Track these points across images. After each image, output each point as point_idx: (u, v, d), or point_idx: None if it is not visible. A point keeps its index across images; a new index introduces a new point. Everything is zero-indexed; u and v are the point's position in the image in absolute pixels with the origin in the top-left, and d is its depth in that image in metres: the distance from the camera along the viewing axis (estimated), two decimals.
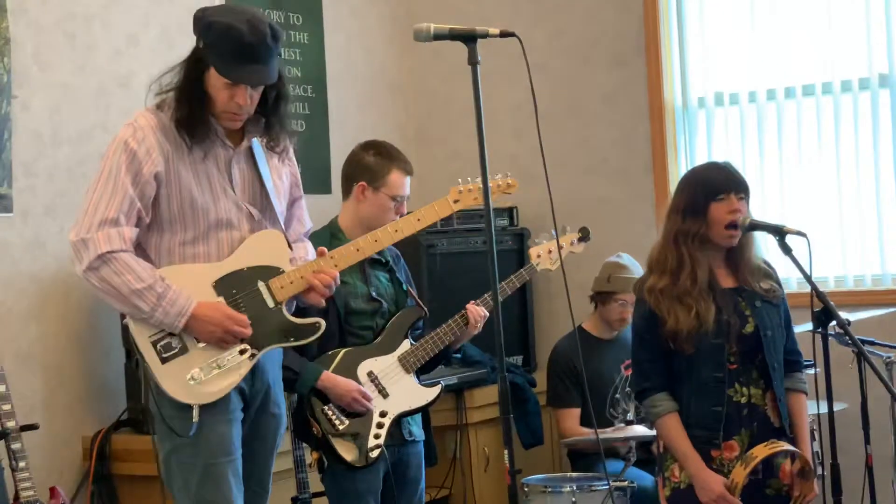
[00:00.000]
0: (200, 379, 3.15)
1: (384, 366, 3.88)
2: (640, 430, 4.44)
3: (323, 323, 3.29)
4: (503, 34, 2.93)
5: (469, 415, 5.17)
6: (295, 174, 3.46)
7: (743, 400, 3.56)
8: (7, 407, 3.96)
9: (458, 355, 4.35)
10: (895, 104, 5.17)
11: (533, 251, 4.25)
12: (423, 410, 4.01)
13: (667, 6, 5.61)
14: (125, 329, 4.51)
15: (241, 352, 3.19)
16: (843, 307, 4.07)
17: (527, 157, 5.71)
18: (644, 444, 4.59)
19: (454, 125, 5.98)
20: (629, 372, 4.69)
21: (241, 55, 3.11)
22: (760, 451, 3.48)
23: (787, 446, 3.51)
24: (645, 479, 4.56)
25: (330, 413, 3.77)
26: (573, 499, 4.37)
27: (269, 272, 3.25)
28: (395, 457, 3.92)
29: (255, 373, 3.24)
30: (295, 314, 3.30)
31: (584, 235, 4.30)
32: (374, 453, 3.78)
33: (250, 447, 3.29)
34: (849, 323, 3.58)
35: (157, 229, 3.20)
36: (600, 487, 4.37)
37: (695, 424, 3.55)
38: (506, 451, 2.88)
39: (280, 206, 3.34)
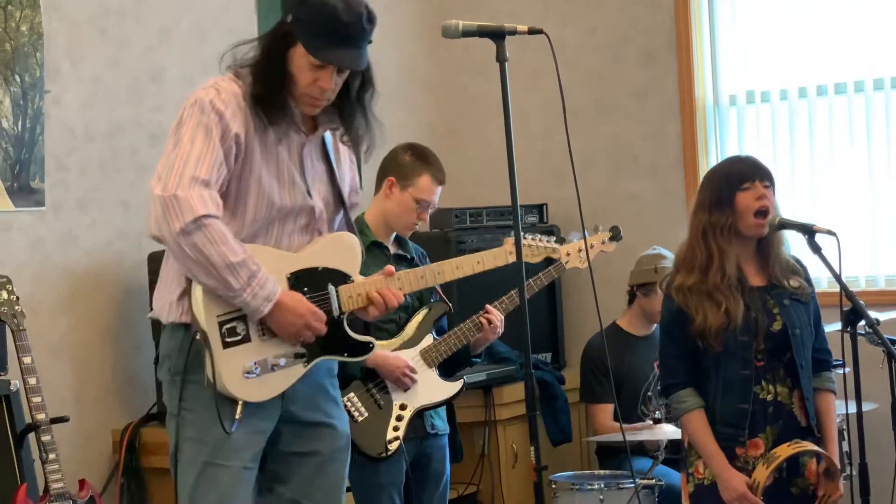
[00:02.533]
0: (255, 375, 2.93)
1: (407, 359, 3.90)
2: (670, 429, 4.43)
3: (376, 343, 3.17)
4: (531, 31, 2.93)
5: (497, 411, 5.17)
6: (354, 178, 3.25)
7: (769, 398, 3.55)
8: (37, 399, 3.98)
9: (479, 359, 4.36)
10: None
11: (563, 248, 4.25)
12: (447, 405, 4.02)
13: (698, 3, 5.58)
14: (156, 324, 4.60)
15: (298, 356, 3.01)
16: (873, 307, 4.04)
17: (557, 154, 5.72)
18: (673, 442, 4.58)
19: (484, 122, 5.98)
20: None
21: (334, 35, 2.88)
22: (783, 451, 3.47)
23: (810, 446, 3.50)
24: (673, 477, 4.55)
25: (349, 405, 3.80)
26: (600, 496, 4.37)
27: (341, 278, 3.07)
28: (418, 450, 3.94)
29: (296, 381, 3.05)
30: None
31: (615, 235, 4.29)
32: (393, 445, 3.81)
33: (303, 462, 3.08)
34: (878, 322, 3.55)
35: (225, 202, 2.94)
36: (628, 485, 4.37)
37: (720, 421, 3.55)
38: (532, 448, 2.89)
39: (347, 200, 3.17)
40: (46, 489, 3.96)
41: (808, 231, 3.50)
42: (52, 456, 3.96)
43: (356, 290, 3.08)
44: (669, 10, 5.63)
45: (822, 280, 4.95)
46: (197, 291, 2.92)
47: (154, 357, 4.66)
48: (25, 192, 4.44)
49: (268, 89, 2.94)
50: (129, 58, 4.82)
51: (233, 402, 2.93)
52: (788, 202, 5.24)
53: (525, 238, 3.59)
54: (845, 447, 4.36)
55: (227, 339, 2.92)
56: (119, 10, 4.79)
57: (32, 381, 3.98)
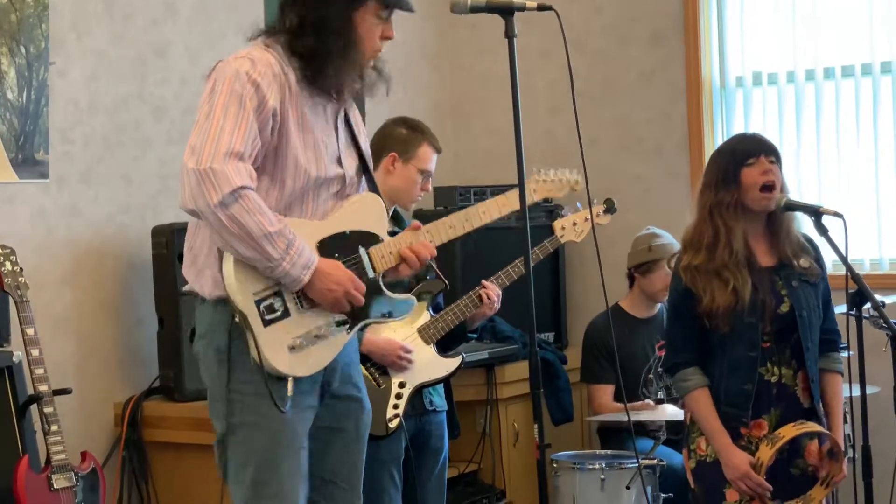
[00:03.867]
0: (301, 348, 2.88)
1: (403, 336, 3.90)
2: (672, 409, 4.43)
3: (415, 300, 3.15)
4: (540, 7, 2.92)
5: (499, 390, 5.17)
6: (366, 141, 3.23)
7: (773, 379, 3.55)
8: (40, 371, 3.98)
9: (475, 335, 4.35)
10: None
11: (557, 223, 4.24)
12: (444, 382, 4.02)
13: None
14: (160, 296, 4.60)
15: (339, 323, 2.96)
16: (878, 290, 4.03)
17: (562, 133, 5.70)
18: (674, 423, 4.58)
19: (491, 100, 5.96)
20: (663, 352, 4.69)
21: None
22: (788, 432, 3.47)
23: (815, 427, 3.50)
24: (674, 457, 4.55)
25: None
26: (602, 476, 4.38)
27: (370, 239, 3.03)
28: (417, 426, 3.95)
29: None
30: None
31: (609, 207, 4.27)
32: (393, 423, 3.81)
33: (331, 438, 3.04)
34: (884, 305, 3.55)
35: (259, 174, 2.90)
36: (629, 465, 4.37)
37: (724, 401, 3.55)
38: (535, 427, 2.88)
39: (372, 167, 3.15)
40: (48, 461, 3.97)
41: (815, 212, 3.49)
42: (54, 428, 3.96)
43: (387, 249, 3.04)
44: None
45: (828, 262, 4.94)
46: (228, 272, 2.86)
47: (156, 331, 4.68)
48: (30, 164, 4.43)
49: (340, 52, 2.91)
50: (134, 32, 4.80)
51: (282, 380, 2.88)
52: (794, 184, 5.23)
53: (541, 173, 3.55)
54: (847, 429, 4.35)
55: (267, 317, 2.87)
56: None
57: (35, 352, 3.98)
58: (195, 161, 2.78)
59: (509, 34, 2.89)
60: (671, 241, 4.86)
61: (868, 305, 3.55)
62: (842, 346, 3.74)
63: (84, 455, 4.17)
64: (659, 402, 4.53)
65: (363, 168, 3.11)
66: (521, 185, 2.92)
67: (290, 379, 2.88)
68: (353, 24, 2.94)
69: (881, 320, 3.61)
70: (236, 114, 2.81)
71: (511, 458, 5.23)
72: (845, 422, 4.28)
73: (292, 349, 2.89)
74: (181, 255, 4.46)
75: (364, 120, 3.23)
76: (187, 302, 4.50)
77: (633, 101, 5.75)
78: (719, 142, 5.55)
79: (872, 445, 3.58)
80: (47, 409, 3.96)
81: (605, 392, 5.00)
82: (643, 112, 5.75)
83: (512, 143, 2.92)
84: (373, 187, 3.13)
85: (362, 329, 3.13)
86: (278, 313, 2.88)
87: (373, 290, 3.00)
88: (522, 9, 2.91)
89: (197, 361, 4.60)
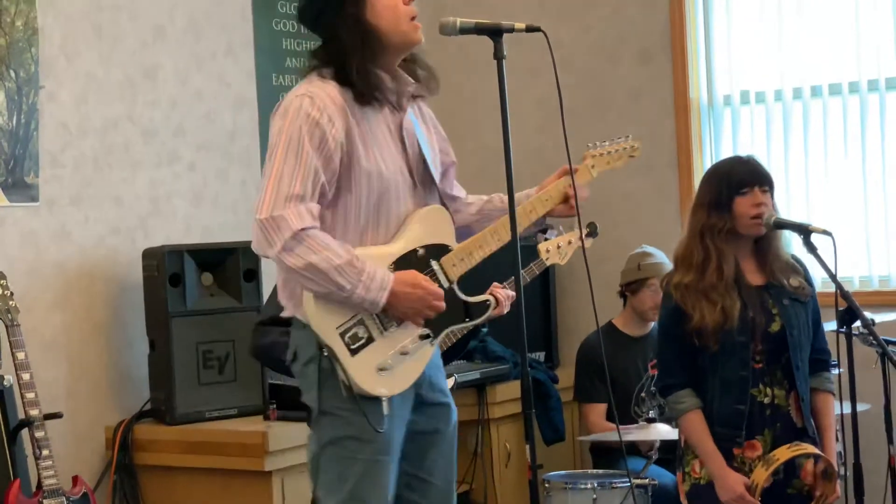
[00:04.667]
0: (390, 368, 2.96)
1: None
2: (664, 429, 4.43)
3: (493, 300, 3.15)
4: (529, 29, 2.92)
5: (491, 410, 5.17)
6: (443, 139, 3.28)
7: (766, 400, 3.56)
8: (31, 395, 3.97)
9: (476, 342, 4.33)
10: None
11: (542, 246, 4.22)
12: None
13: (693, 3, 5.59)
14: (151, 319, 4.59)
15: (422, 336, 3.02)
16: (868, 307, 4.05)
17: (551, 151, 5.71)
18: (666, 442, 4.58)
19: (480, 119, 5.97)
20: (655, 371, 4.69)
21: None
22: (783, 454, 3.47)
23: (810, 448, 3.50)
24: (666, 477, 4.54)
25: None
26: (594, 496, 4.36)
27: (440, 250, 3.07)
28: None
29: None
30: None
31: (592, 231, 4.29)
32: None
33: (426, 441, 3.11)
34: (873, 323, 3.56)
35: (329, 203, 2.98)
36: (621, 485, 4.36)
37: (718, 422, 3.55)
38: (527, 447, 2.88)
39: (437, 177, 3.16)
40: (39, 485, 3.96)
41: (804, 231, 3.50)
42: (45, 452, 3.95)
43: (458, 257, 3.09)
44: (665, 10, 5.63)
45: (816, 280, 4.95)
46: (310, 311, 2.95)
47: (147, 353, 4.67)
48: (20, 188, 4.43)
49: (370, 61, 2.96)
50: (123, 54, 4.81)
51: (377, 400, 2.96)
52: (783, 202, 5.25)
53: (596, 147, 3.43)
54: (839, 447, 4.36)
55: (353, 347, 2.95)
56: (114, 6, 4.78)
57: (26, 376, 3.97)
58: (259, 211, 2.90)
59: (498, 56, 2.89)
60: (662, 259, 4.87)
61: (858, 323, 3.56)
62: (833, 364, 3.75)
63: (75, 479, 4.16)
64: (651, 421, 4.52)
65: (430, 178, 3.12)
66: (511, 209, 2.92)
67: (384, 400, 2.96)
68: (364, 16, 2.97)
69: (871, 337, 3.62)
70: (296, 156, 2.90)
71: (503, 478, 5.22)
72: (837, 440, 4.28)
73: (381, 370, 2.97)
74: (172, 277, 4.55)
75: None
76: (178, 325, 4.55)
77: (621, 119, 5.77)
78: (708, 160, 5.57)
79: (864, 463, 3.59)
80: (38, 434, 3.96)
81: (598, 411, 5.00)
82: (632, 130, 5.68)
83: (502, 162, 2.92)
84: (436, 197, 3.15)
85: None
86: (363, 340, 2.96)
87: (449, 299, 3.05)
88: (511, 30, 2.92)
89: (188, 385, 4.63)
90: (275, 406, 4.56)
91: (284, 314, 3.08)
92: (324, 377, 2.98)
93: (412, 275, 2.98)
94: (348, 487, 2.98)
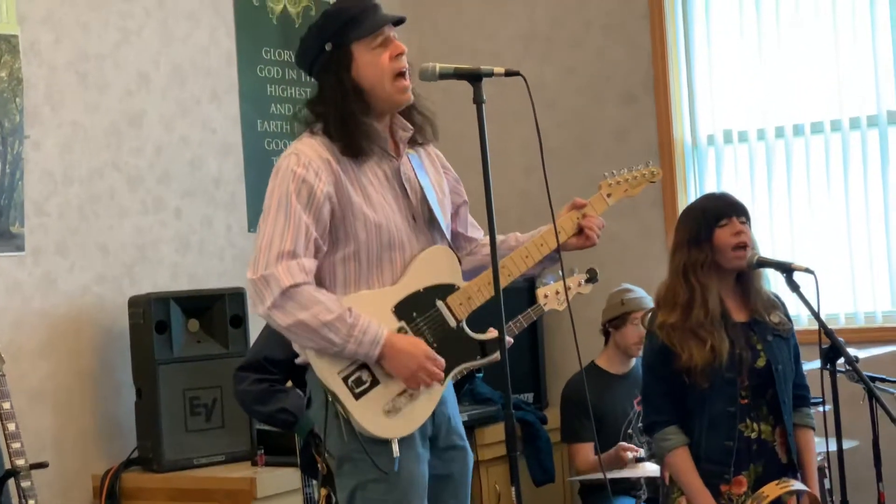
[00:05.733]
0: (397, 410, 2.98)
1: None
2: (652, 467, 4.43)
3: (505, 336, 3.08)
4: (508, 73, 2.94)
5: (480, 452, 5.15)
6: (454, 179, 3.32)
7: (753, 435, 3.56)
8: (17, 445, 3.95)
9: (481, 374, 4.33)
10: None
11: (540, 291, 4.26)
12: None
13: (675, 44, 5.64)
14: (138, 366, 4.59)
15: None
16: (853, 344, 4.06)
17: (537, 193, 5.73)
18: (655, 480, 4.57)
19: (464, 164, 5.95)
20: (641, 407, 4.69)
21: (366, 11, 3.02)
22: (772, 490, 3.47)
23: (797, 485, 3.50)
24: None
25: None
26: None
27: (445, 290, 3.09)
28: None
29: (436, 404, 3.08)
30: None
31: (592, 276, 4.31)
32: None
33: (440, 485, 3.12)
34: (857, 360, 3.57)
35: (328, 256, 3.02)
36: None
37: (705, 458, 3.55)
38: (513, 489, 2.88)
39: (445, 218, 3.17)
40: None
41: (787, 269, 3.52)
42: (31, 502, 3.93)
43: (465, 295, 3.09)
44: (647, 52, 5.68)
45: (802, 318, 4.97)
46: (311, 356, 2.98)
47: (134, 401, 4.65)
48: (5, 238, 4.43)
49: (352, 115, 2.99)
50: (108, 101, 4.83)
51: (386, 443, 2.97)
52: (767, 241, 5.27)
53: (613, 175, 3.43)
54: (827, 484, 4.35)
55: (357, 390, 2.97)
56: (98, 55, 4.80)
57: (12, 426, 3.95)
58: (252, 271, 2.94)
59: (477, 100, 2.91)
60: (643, 295, 4.88)
61: (842, 360, 3.56)
62: (815, 400, 3.75)
63: None
64: (639, 461, 4.51)
65: (435, 220, 3.13)
66: (493, 251, 2.93)
67: (393, 441, 2.97)
68: (349, 74, 3.01)
69: (856, 374, 3.62)
70: (286, 215, 2.94)
71: None
72: (823, 477, 4.28)
73: (388, 413, 2.98)
74: (159, 324, 4.54)
75: None
76: (165, 372, 4.54)
77: (606, 159, 5.78)
78: (692, 199, 5.59)
79: (851, 500, 3.59)
80: (24, 484, 3.93)
81: (587, 450, 4.99)
82: (617, 170, 5.77)
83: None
84: (443, 238, 3.16)
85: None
86: (367, 384, 2.98)
87: (458, 338, 3.07)
88: (490, 74, 2.94)
89: (175, 432, 4.62)
90: (263, 452, 4.55)
91: (299, 361, 3.09)
92: (334, 422, 3.00)
93: (416, 341, 3.00)
94: None
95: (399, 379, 2.99)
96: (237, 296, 4.75)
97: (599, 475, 4.66)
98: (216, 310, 4.72)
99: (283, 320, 2.91)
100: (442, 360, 3.01)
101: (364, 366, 2.98)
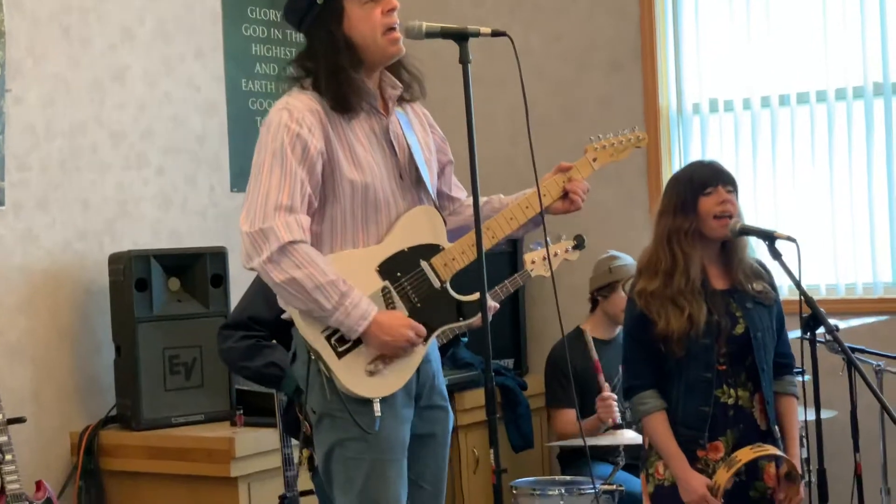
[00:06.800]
0: (379, 370, 2.97)
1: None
2: (630, 434, 4.44)
3: (488, 299, 3.08)
4: (495, 33, 2.92)
5: (459, 417, 5.15)
6: (441, 138, 3.30)
7: (730, 401, 3.57)
8: None
9: (466, 338, 4.34)
10: (889, 113, 5.17)
11: (527, 257, 4.25)
12: None
13: (663, 13, 5.61)
14: (117, 324, 4.57)
15: None
16: (834, 315, 4.06)
17: (522, 160, 5.72)
18: (634, 447, 4.58)
19: (450, 128, 5.92)
20: None
21: None
22: (745, 455, 3.48)
23: (772, 450, 3.51)
24: (634, 483, 4.54)
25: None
26: (561, 501, 4.37)
27: (430, 250, 3.07)
28: None
29: (420, 363, 3.07)
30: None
31: (579, 243, 4.31)
32: None
33: (420, 444, 3.12)
34: (837, 329, 3.58)
35: (318, 215, 3.00)
36: (589, 491, 4.36)
37: (681, 423, 3.57)
38: (491, 451, 2.88)
39: (431, 177, 3.15)
40: (2, 490, 3.93)
41: (769, 237, 3.51)
42: (8, 457, 3.92)
43: (449, 256, 3.08)
44: (635, 20, 5.65)
45: (783, 287, 4.96)
46: (295, 313, 2.97)
47: (113, 359, 4.64)
48: None
49: (343, 69, 2.96)
50: (91, 56, 4.79)
51: (368, 403, 2.96)
52: (751, 210, 5.27)
53: (599, 139, 3.40)
54: (804, 453, 4.37)
55: (340, 349, 2.96)
56: (82, 8, 4.76)
57: None
58: (248, 224, 2.90)
59: (463, 59, 2.89)
60: (631, 262, 4.89)
61: (822, 330, 3.57)
62: (797, 370, 3.76)
63: (39, 484, 4.13)
64: (617, 427, 4.52)
65: (419, 179, 3.12)
66: (475, 212, 2.91)
67: (375, 401, 2.96)
68: (340, 28, 2.99)
69: (836, 345, 3.63)
70: (281, 168, 2.91)
71: (471, 484, 5.21)
72: (802, 445, 4.30)
73: (371, 374, 2.98)
74: (139, 282, 4.52)
75: None
76: (144, 330, 4.53)
77: (592, 127, 5.71)
78: (677, 167, 5.57)
79: (829, 469, 3.60)
80: (1, 438, 3.93)
81: (569, 416, 5.00)
82: (602, 135, 5.76)
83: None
84: (429, 198, 3.14)
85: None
86: (350, 343, 2.97)
87: (442, 298, 3.07)
88: (477, 34, 2.92)
89: (154, 390, 4.61)
90: (241, 412, 4.55)
91: (285, 316, 3.07)
92: (316, 378, 3.00)
93: (398, 315, 2.99)
94: (357, 489, 3.00)
95: (381, 352, 2.98)
96: (218, 255, 4.74)
97: (578, 441, 4.68)
98: (197, 269, 4.71)
99: (278, 276, 2.88)
100: (423, 328, 3.00)
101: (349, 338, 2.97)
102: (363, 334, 2.94)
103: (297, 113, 2.95)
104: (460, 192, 3.34)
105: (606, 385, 4.62)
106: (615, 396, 4.60)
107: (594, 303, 5.10)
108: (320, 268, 2.89)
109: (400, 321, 2.98)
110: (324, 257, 2.94)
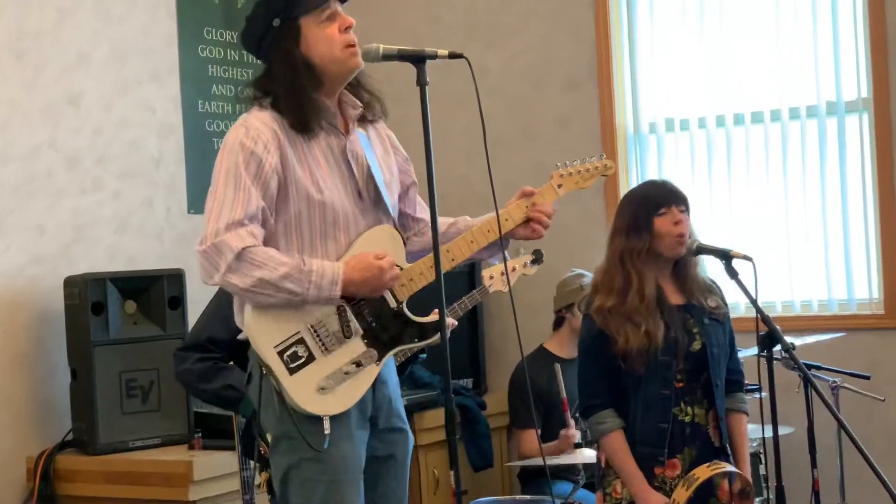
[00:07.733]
0: (331, 388, 2.97)
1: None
2: (590, 453, 4.44)
3: (448, 320, 3.09)
4: (452, 56, 2.92)
5: (419, 437, 5.14)
6: (404, 159, 3.30)
7: (687, 419, 3.59)
8: None
9: (424, 355, 4.33)
10: (842, 131, 5.22)
11: (486, 273, 4.25)
12: None
13: (619, 33, 5.66)
14: (73, 348, 4.54)
15: (367, 357, 3.02)
16: (790, 332, 4.10)
17: (478, 179, 5.74)
18: (594, 466, 4.58)
19: (406, 147, 5.97)
20: None
21: None
22: (703, 472, 3.50)
23: (728, 467, 3.54)
24: (593, 500, 4.54)
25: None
26: None
27: None
28: None
29: (375, 385, 3.06)
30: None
31: (537, 258, 4.31)
32: None
33: (380, 466, 3.12)
34: (794, 347, 3.60)
35: (274, 231, 3.00)
36: None
37: (640, 441, 3.58)
38: (451, 473, 2.88)
39: (392, 198, 3.15)
40: None
41: (726, 256, 3.54)
42: None
43: (407, 277, 3.08)
44: (591, 40, 5.69)
45: (739, 305, 5.02)
46: (248, 328, 2.96)
47: (69, 383, 4.60)
48: None
49: (302, 90, 2.97)
50: (46, 80, 4.76)
51: (318, 421, 2.95)
52: (706, 228, 5.30)
53: (565, 167, 3.41)
54: (762, 470, 4.40)
55: (292, 365, 2.96)
56: (37, 32, 4.73)
57: None
58: (200, 242, 2.92)
59: (421, 82, 2.89)
60: None
61: (779, 347, 3.60)
62: (752, 387, 3.79)
63: None
64: (576, 446, 4.53)
65: (378, 199, 3.11)
66: (434, 233, 2.91)
67: (325, 419, 2.95)
68: (298, 49, 2.99)
69: (792, 362, 3.66)
70: (234, 187, 2.92)
71: None
72: (759, 462, 4.32)
73: (322, 390, 2.97)
74: (95, 306, 4.49)
75: None
76: (100, 353, 4.49)
77: (549, 146, 5.80)
78: (634, 186, 5.61)
79: (787, 485, 3.62)
80: None
81: (532, 436, 4.99)
82: (559, 157, 5.64)
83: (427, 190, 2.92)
84: (389, 218, 3.14)
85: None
86: (302, 359, 2.97)
87: (397, 319, 3.07)
88: (434, 57, 2.92)
89: (111, 414, 4.57)
90: (200, 435, 4.52)
91: (241, 336, 3.06)
92: (270, 399, 2.98)
93: (361, 257, 2.99)
94: None
95: (374, 296, 3.00)
96: (176, 277, 4.71)
97: (538, 460, 4.68)
98: (154, 291, 4.68)
99: (242, 282, 2.89)
100: (392, 258, 3.01)
101: (301, 341, 2.97)
102: (344, 294, 2.94)
103: (252, 131, 2.96)
104: (425, 213, 3.33)
105: (573, 422, 4.62)
106: (578, 434, 4.59)
107: (560, 321, 5.10)
108: (279, 260, 2.91)
109: (363, 261, 2.98)
110: (278, 252, 2.94)
